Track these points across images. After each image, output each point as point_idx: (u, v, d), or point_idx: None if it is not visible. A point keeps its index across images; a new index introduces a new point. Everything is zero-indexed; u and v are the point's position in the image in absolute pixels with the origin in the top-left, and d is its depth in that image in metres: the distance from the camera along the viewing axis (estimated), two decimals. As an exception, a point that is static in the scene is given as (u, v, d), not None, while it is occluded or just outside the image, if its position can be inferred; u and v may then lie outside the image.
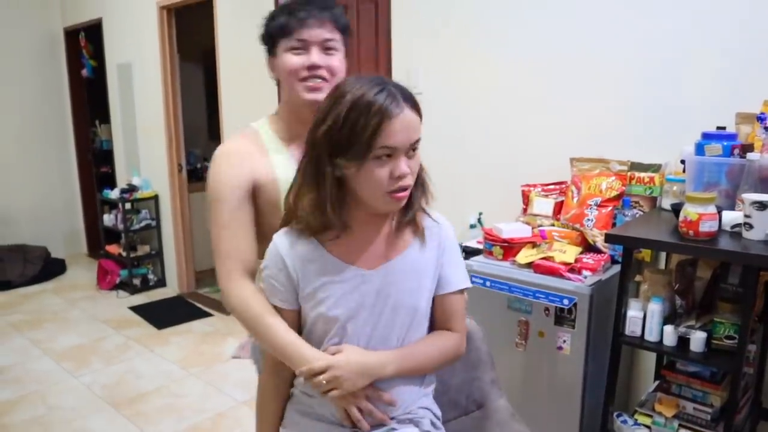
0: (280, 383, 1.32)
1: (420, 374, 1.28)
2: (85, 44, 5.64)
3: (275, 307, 1.26)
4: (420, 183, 1.22)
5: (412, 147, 1.14)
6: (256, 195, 1.41)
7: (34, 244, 5.67)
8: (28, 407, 3.24)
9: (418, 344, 1.25)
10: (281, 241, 1.23)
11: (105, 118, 5.78)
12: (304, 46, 1.41)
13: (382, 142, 1.08)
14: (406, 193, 1.16)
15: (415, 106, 1.14)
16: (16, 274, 5.33)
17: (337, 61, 1.45)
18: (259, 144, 1.45)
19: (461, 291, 1.29)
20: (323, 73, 1.42)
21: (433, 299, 1.28)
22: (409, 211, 1.22)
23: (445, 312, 1.28)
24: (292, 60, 1.41)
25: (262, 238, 1.39)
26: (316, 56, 1.41)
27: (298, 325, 1.27)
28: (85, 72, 5.73)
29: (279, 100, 1.50)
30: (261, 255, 1.38)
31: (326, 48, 1.43)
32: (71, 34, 5.82)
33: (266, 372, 1.35)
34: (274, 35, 1.43)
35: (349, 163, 1.10)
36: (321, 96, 1.39)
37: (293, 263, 1.21)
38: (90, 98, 6.01)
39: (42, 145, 5.91)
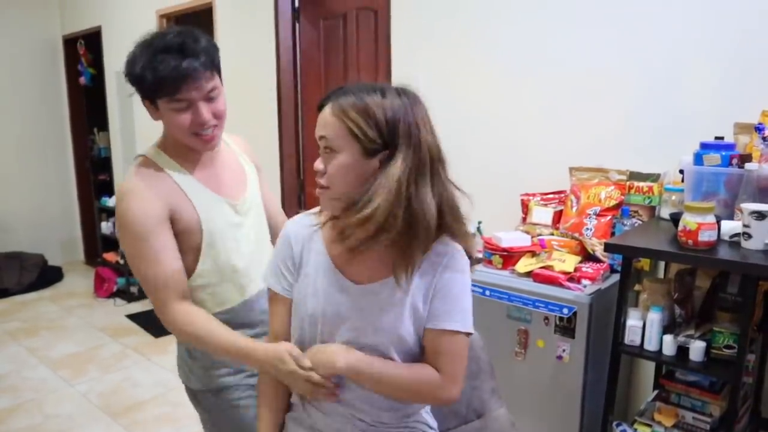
0: (277, 391, 1.31)
1: (383, 393, 1.18)
2: (84, 52, 5.65)
3: (276, 296, 1.26)
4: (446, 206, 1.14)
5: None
6: (174, 221, 1.42)
7: (31, 252, 5.65)
8: (24, 416, 3.23)
9: (390, 361, 1.17)
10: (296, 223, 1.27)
11: (103, 126, 5.78)
12: (189, 104, 1.38)
13: None
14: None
15: None
16: (13, 281, 5.31)
17: (222, 103, 1.44)
18: (162, 175, 1.44)
19: (451, 332, 1.16)
20: (212, 123, 1.42)
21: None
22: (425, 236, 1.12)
23: (428, 349, 1.18)
24: (180, 119, 1.38)
25: (183, 258, 1.44)
26: (205, 112, 1.39)
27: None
28: (83, 80, 5.74)
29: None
30: (188, 271, 1.47)
31: (209, 98, 1.41)
32: (70, 42, 5.83)
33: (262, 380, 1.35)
34: (149, 93, 1.37)
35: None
36: (214, 144, 1.47)
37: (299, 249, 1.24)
38: (88, 106, 6.01)
39: (40, 152, 5.91)
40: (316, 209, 1.26)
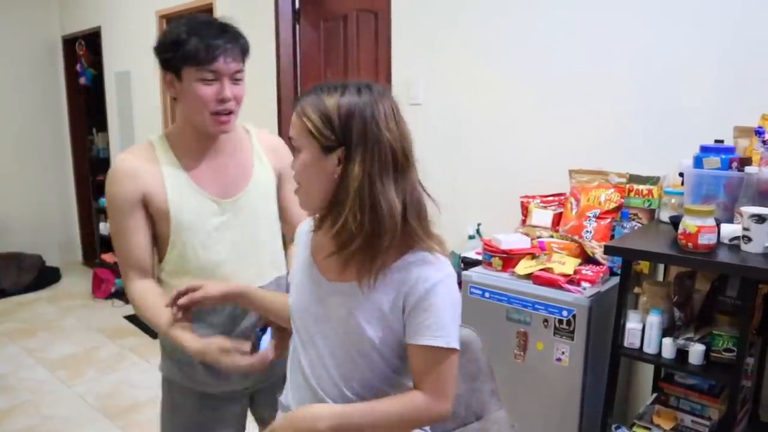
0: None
1: None
2: (84, 52, 5.64)
3: None
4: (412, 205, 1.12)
5: None
6: (147, 205, 1.49)
7: (29, 252, 5.64)
8: (22, 417, 3.22)
9: (373, 402, 1.15)
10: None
11: (102, 127, 5.78)
12: (216, 77, 1.43)
13: None
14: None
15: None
16: (11, 282, 5.30)
17: (243, 89, 1.50)
18: (152, 158, 1.51)
19: (433, 348, 1.11)
20: (232, 105, 1.47)
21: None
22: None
23: (413, 366, 1.15)
24: (204, 91, 1.42)
25: (157, 242, 1.55)
26: (228, 89, 1.44)
27: None
28: (83, 80, 5.73)
29: (172, 116, 1.57)
30: (161, 255, 1.57)
31: (235, 79, 1.46)
32: (69, 43, 5.82)
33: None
34: (182, 60, 1.41)
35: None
36: (229, 127, 1.50)
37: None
38: (87, 106, 6.00)
39: (39, 152, 5.89)
40: None
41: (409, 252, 1.13)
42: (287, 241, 1.72)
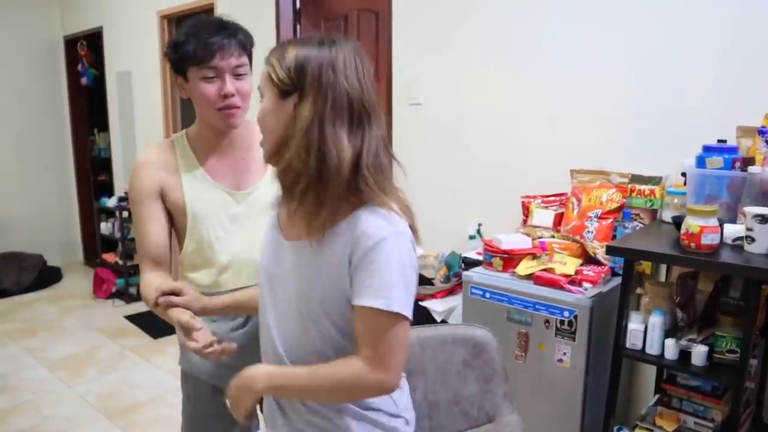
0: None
1: (313, 401, 1.15)
2: (86, 52, 5.64)
3: None
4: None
5: None
6: (164, 199, 1.56)
7: (30, 252, 5.64)
8: (22, 416, 3.21)
9: (312, 366, 1.11)
10: None
11: (104, 127, 5.78)
12: (216, 74, 1.47)
13: None
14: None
15: None
16: (12, 282, 5.30)
17: (248, 84, 1.53)
18: (171, 155, 1.58)
19: (372, 310, 1.05)
20: (236, 100, 1.50)
21: None
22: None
23: (356, 328, 1.10)
24: (207, 89, 1.47)
25: (177, 237, 1.62)
26: (229, 84, 1.48)
27: None
28: (84, 80, 5.73)
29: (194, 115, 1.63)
30: (180, 248, 1.62)
31: (237, 74, 1.49)
32: (71, 43, 5.82)
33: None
34: (183, 62, 1.47)
35: None
36: (237, 121, 1.54)
37: None
38: (89, 106, 6.01)
39: (40, 152, 5.90)
40: None
41: (362, 207, 1.08)
42: None
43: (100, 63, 5.54)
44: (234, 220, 1.59)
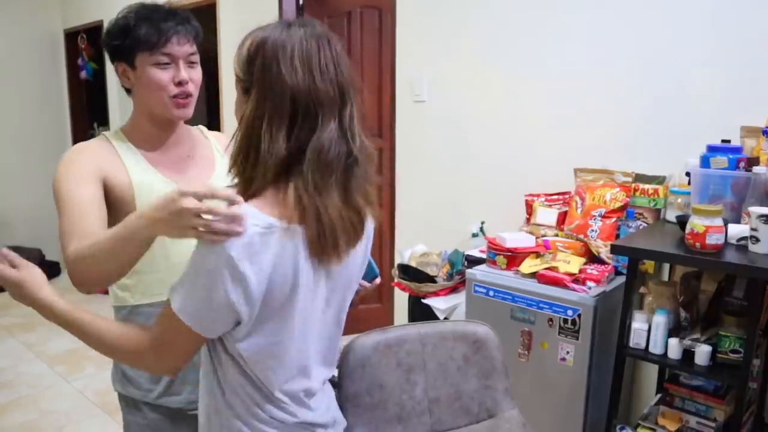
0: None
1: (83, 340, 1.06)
2: (86, 46, 5.62)
3: None
4: None
5: None
6: (108, 191, 1.37)
7: (28, 246, 5.62)
8: (20, 411, 3.20)
9: (98, 318, 1.06)
10: None
11: (104, 121, 5.76)
12: (171, 61, 1.37)
13: None
14: None
15: None
16: (10, 276, 5.28)
17: (199, 73, 1.45)
18: (109, 149, 1.42)
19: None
20: (190, 87, 1.41)
21: None
22: None
23: None
24: (160, 75, 1.37)
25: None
26: (184, 72, 1.39)
27: None
28: (84, 74, 5.71)
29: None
30: None
31: (190, 62, 1.41)
32: (71, 36, 5.80)
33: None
34: (134, 47, 1.35)
35: None
36: (189, 111, 1.43)
37: None
38: (89, 100, 5.99)
39: (39, 146, 5.87)
40: None
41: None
42: None
43: (100, 57, 5.51)
44: None
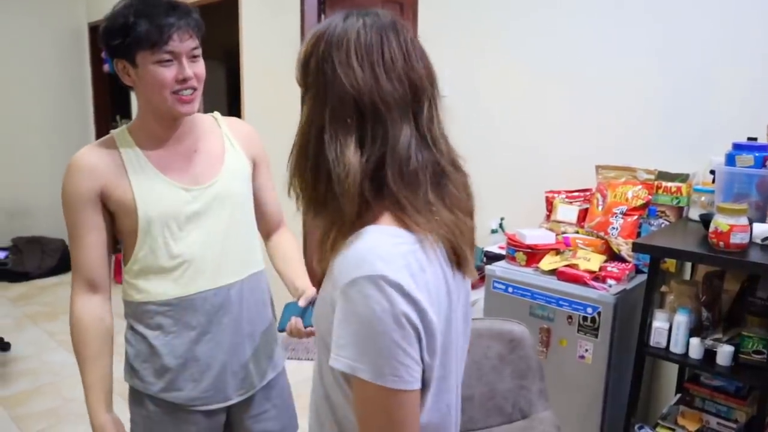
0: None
1: None
2: (109, 40, 5.68)
3: None
4: None
5: None
6: (106, 201, 1.38)
7: (51, 237, 5.71)
8: (44, 398, 3.26)
9: None
10: None
11: (126, 113, 5.82)
12: (173, 57, 1.34)
13: None
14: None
15: None
16: (34, 265, 5.37)
17: (202, 67, 1.40)
18: (114, 153, 1.40)
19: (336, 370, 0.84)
20: (194, 83, 1.38)
21: None
22: None
23: None
24: (164, 73, 1.33)
25: (123, 241, 1.46)
26: (188, 68, 1.35)
27: None
28: (106, 67, 5.74)
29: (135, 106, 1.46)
30: (128, 255, 1.46)
31: (193, 56, 1.37)
32: (95, 30, 5.86)
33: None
34: (134, 46, 1.31)
35: None
36: (194, 107, 1.40)
37: None
38: (112, 93, 6.05)
39: (63, 138, 5.95)
40: None
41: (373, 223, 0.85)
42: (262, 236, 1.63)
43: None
44: (190, 218, 1.42)
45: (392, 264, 0.78)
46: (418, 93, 0.87)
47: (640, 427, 1.99)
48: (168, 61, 1.33)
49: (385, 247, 0.80)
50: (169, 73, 1.33)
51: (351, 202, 0.82)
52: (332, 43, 0.85)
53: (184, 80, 1.35)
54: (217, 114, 1.59)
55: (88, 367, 1.42)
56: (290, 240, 1.68)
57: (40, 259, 5.43)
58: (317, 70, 0.86)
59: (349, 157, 0.82)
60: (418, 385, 0.81)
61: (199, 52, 1.39)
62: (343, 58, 0.84)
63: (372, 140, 0.83)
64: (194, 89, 1.38)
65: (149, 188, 1.39)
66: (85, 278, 1.42)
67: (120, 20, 1.31)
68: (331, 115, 0.84)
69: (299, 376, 2.42)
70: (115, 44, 1.33)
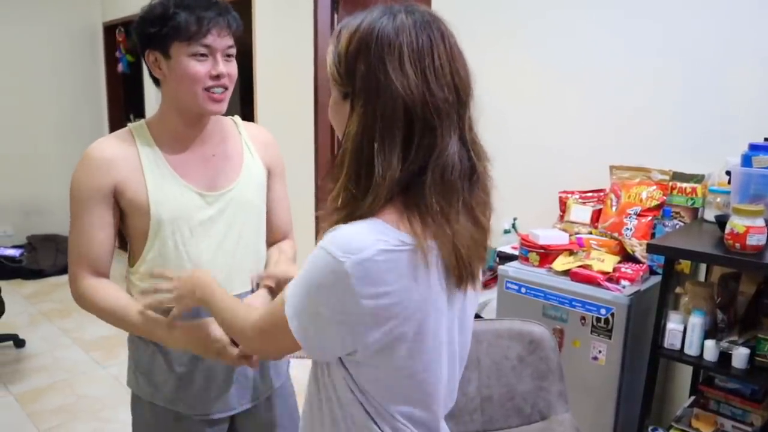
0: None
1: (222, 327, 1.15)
2: (123, 39, 5.72)
3: None
4: None
5: None
6: (119, 198, 1.34)
7: (66, 235, 5.73)
8: (57, 395, 3.29)
9: (233, 299, 1.16)
10: None
11: (140, 113, 5.85)
12: (209, 53, 1.31)
13: None
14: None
15: None
16: (49, 263, 5.42)
17: (235, 67, 1.37)
18: (131, 148, 1.36)
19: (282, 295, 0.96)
20: (226, 82, 1.34)
21: None
22: None
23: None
24: (197, 67, 1.30)
25: (130, 240, 1.43)
26: (222, 65, 1.32)
27: None
28: (120, 66, 5.81)
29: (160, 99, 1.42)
30: (135, 255, 1.43)
31: (228, 54, 1.35)
32: (110, 29, 5.91)
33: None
34: (172, 36, 1.28)
35: None
36: (223, 107, 1.37)
37: None
38: (126, 93, 6.10)
39: (77, 137, 5.99)
40: None
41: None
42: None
43: (136, 50, 5.60)
44: (203, 223, 1.39)
45: (358, 255, 0.81)
46: (462, 98, 0.87)
47: (654, 429, 1.98)
48: (203, 55, 1.30)
49: (363, 240, 0.82)
50: (202, 67, 1.30)
51: (376, 200, 0.83)
52: (383, 45, 0.83)
53: (218, 77, 1.32)
54: (237, 118, 1.56)
55: (131, 309, 1.37)
56: (290, 244, 1.63)
57: (54, 256, 5.48)
58: (368, 76, 0.83)
59: (393, 163, 0.82)
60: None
61: (233, 51, 1.36)
62: (396, 64, 0.82)
63: (418, 147, 0.83)
64: (225, 88, 1.35)
65: (164, 189, 1.35)
66: (92, 267, 1.37)
67: (159, 9, 1.29)
68: (383, 122, 0.82)
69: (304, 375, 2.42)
70: (151, 33, 1.30)
